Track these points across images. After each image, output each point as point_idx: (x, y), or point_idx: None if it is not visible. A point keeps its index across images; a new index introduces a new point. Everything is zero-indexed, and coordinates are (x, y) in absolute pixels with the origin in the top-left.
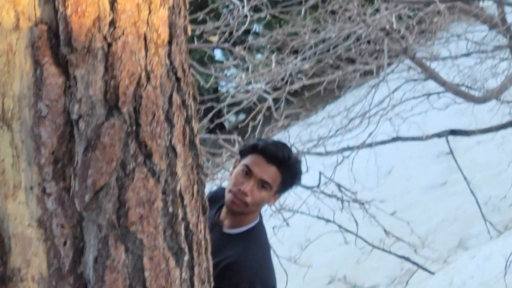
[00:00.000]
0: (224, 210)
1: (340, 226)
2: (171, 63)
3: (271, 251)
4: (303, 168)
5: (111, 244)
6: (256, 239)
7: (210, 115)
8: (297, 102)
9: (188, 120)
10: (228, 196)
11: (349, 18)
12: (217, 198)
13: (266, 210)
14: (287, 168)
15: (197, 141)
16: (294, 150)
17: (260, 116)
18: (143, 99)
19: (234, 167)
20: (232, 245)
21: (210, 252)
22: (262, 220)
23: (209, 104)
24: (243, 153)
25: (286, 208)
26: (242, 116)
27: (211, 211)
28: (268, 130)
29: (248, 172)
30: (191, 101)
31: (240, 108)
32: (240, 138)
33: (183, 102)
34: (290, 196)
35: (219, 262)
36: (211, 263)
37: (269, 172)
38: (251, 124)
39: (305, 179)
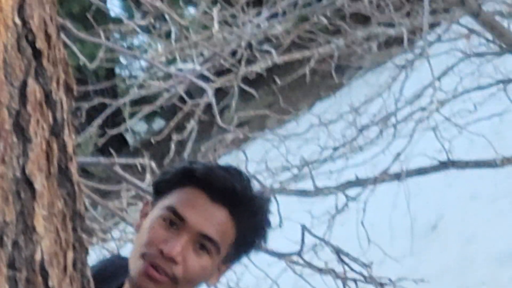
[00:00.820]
0: None
1: None
2: (24, 22)
3: None
4: (273, 216)
5: None
6: None
7: (99, 121)
8: (261, 98)
9: (56, 131)
10: (137, 267)
11: None
12: (107, 276)
13: None
14: (247, 213)
15: (73, 169)
16: (255, 184)
17: (192, 124)
18: None
19: (143, 215)
20: None
21: None
22: None
23: (97, 101)
24: (161, 189)
25: None
26: (159, 123)
27: None
28: (207, 149)
29: (175, 221)
30: (62, 95)
31: (155, 107)
32: (153, 164)
33: (47, 95)
34: (248, 272)
35: None
36: None
37: (216, 220)
38: (175, 137)
39: (277, 239)
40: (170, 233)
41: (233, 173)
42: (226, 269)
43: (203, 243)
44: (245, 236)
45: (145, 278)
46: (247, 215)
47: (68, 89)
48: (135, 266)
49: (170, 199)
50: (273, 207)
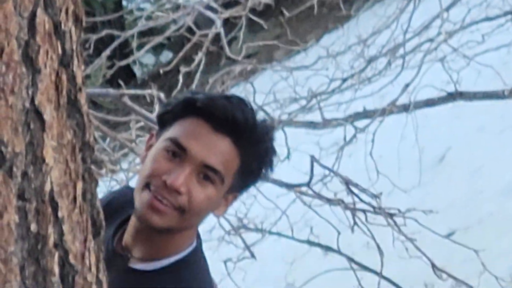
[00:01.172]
0: (130, 229)
1: (350, 259)
2: None
3: None
4: (279, 147)
5: None
6: (189, 280)
7: (107, 52)
8: (269, 30)
9: (65, 61)
10: (141, 199)
11: None
12: (116, 207)
13: (211, 229)
14: (250, 141)
15: (82, 100)
16: (262, 116)
17: (200, 55)
18: None
19: (148, 147)
20: None
21: None
22: (202, 245)
23: (105, 32)
24: (165, 120)
25: (249, 226)
26: (166, 55)
27: (107, 230)
28: (214, 81)
29: (177, 152)
30: (71, 25)
31: (163, 39)
32: (162, 95)
33: (56, 26)
34: (257, 203)
35: None
36: None
37: (219, 150)
38: (182, 69)
39: (285, 171)
40: (173, 164)
41: (235, 102)
42: (233, 198)
43: (206, 173)
44: (249, 164)
45: (149, 210)
46: (250, 143)
47: (77, 20)
48: (139, 198)
49: (172, 131)
50: (281, 138)
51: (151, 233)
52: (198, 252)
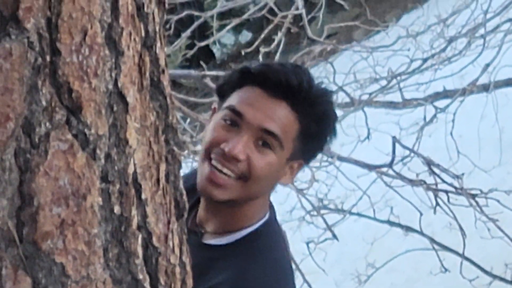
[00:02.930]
0: (202, 205)
1: (433, 241)
2: None
3: (294, 277)
4: (359, 127)
5: (7, 274)
6: (263, 252)
7: (187, 33)
8: (348, 10)
9: (148, 42)
10: (202, 171)
11: None
12: (189, 188)
13: (291, 209)
14: (307, 104)
15: (165, 81)
16: (342, 96)
17: (280, 35)
18: (64, 3)
19: (210, 121)
20: (221, 264)
21: (190, 287)
22: (275, 214)
23: (185, 13)
24: (223, 92)
25: (329, 206)
26: (246, 35)
27: None
28: (294, 61)
29: (235, 120)
30: (154, 7)
31: (242, 20)
32: None
33: (139, 8)
34: (338, 184)
35: None
36: None
37: (276, 114)
38: (262, 49)
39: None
40: (231, 133)
41: (289, 66)
42: (299, 166)
43: (264, 139)
44: (308, 127)
45: (209, 184)
46: (307, 106)
47: (160, 1)
48: (200, 170)
49: (230, 100)
50: (361, 119)
51: (219, 206)
52: (271, 223)
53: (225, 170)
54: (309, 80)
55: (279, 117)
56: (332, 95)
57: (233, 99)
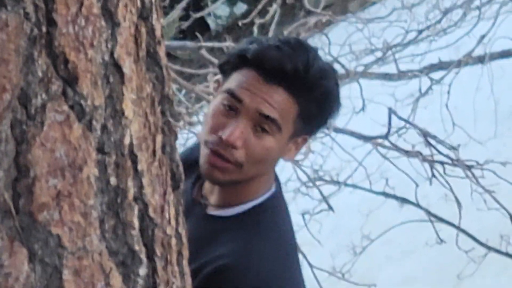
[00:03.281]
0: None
1: (429, 212)
2: None
3: (297, 251)
4: (354, 98)
5: (3, 245)
6: (267, 225)
7: (182, 4)
8: None
9: (144, 13)
10: (203, 155)
11: None
12: (195, 160)
13: (286, 180)
14: (304, 87)
15: (161, 53)
16: (327, 60)
17: (275, 7)
18: None
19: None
20: (224, 236)
21: (186, 258)
22: (281, 189)
23: None
24: (224, 70)
25: (325, 178)
26: (241, 7)
27: (186, 182)
28: (289, 33)
29: (233, 104)
30: None
31: None
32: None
33: None
34: (333, 155)
35: (202, 267)
36: (188, 277)
37: (273, 99)
38: (257, 21)
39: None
40: (229, 119)
41: (286, 50)
42: (303, 141)
43: (262, 124)
44: (308, 109)
45: (210, 167)
46: (304, 89)
47: None
48: (201, 154)
49: (229, 82)
50: (356, 90)
51: (224, 185)
52: (276, 197)
53: (222, 158)
54: (305, 64)
55: (277, 101)
56: (333, 73)
57: (231, 82)
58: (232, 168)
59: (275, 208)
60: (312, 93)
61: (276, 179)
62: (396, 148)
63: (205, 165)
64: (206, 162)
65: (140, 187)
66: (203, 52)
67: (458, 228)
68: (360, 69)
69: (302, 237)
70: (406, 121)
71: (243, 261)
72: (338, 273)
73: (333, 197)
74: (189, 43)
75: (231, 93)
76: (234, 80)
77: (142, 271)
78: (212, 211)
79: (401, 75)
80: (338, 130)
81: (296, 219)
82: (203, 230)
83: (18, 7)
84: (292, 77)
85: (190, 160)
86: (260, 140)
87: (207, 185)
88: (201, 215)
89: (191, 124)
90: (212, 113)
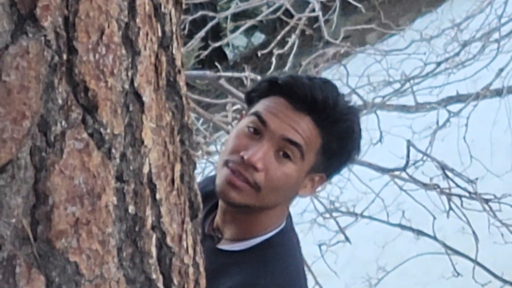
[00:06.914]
0: (219, 211)
1: (445, 245)
2: None
3: (306, 285)
4: (371, 130)
5: (21, 272)
6: (275, 260)
7: (202, 33)
8: (362, 13)
9: (165, 42)
10: (221, 175)
11: None
12: (208, 193)
13: (302, 211)
14: (330, 120)
15: (181, 82)
16: (350, 97)
17: (294, 37)
18: (81, 2)
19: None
20: (233, 270)
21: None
22: (293, 225)
23: (200, 13)
24: (251, 99)
25: (341, 209)
26: (259, 37)
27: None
28: (307, 63)
29: (258, 128)
30: (171, 7)
31: (256, 21)
32: (256, 76)
33: (156, 8)
34: (350, 186)
35: None
36: None
37: (299, 126)
38: (275, 51)
39: (378, 154)
40: (253, 141)
41: (317, 82)
42: (321, 180)
43: (285, 150)
44: (330, 144)
45: (228, 186)
46: (330, 123)
47: (177, 2)
48: (219, 174)
49: (256, 107)
50: (374, 122)
51: (236, 213)
52: (286, 233)
53: (241, 178)
54: (335, 97)
55: (303, 129)
56: (357, 113)
57: (259, 106)
58: (249, 190)
59: (282, 244)
60: (336, 128)
61: (289, 215)
62: (414, 180)
63: (223, 184)
64: (224, 181)
65: (158, 215)
66: (222, 82)
67: (474, 261)
68: (378, 100)
69: (318, 268)
70: (425, 153)
71: None
72: None
73: (349, 228)
74: (208, 73)
75: (258, 116)
76: (262, 105)
77: None
78: (222, 246)
79: (419, 107)
80: (355, 162)
81: (312, 250)
82: (213, 264)
83: (39, 35)
84: (321, 107)
85: (205, 192)
86: (281, 165)
87: (218, 218)
88: (211, 249)
89: (208, 153)
90: (236, 134)
